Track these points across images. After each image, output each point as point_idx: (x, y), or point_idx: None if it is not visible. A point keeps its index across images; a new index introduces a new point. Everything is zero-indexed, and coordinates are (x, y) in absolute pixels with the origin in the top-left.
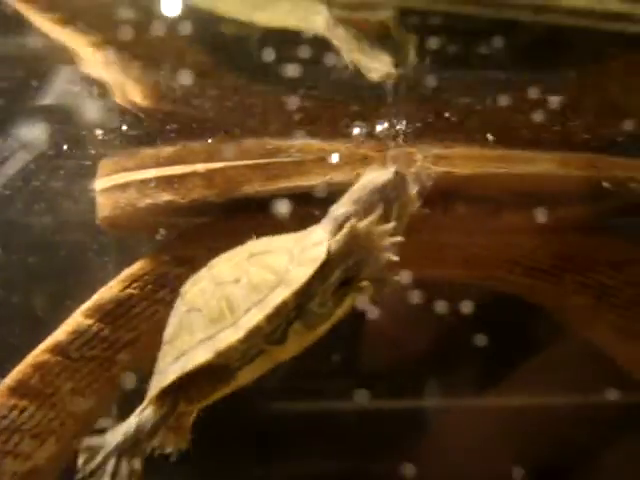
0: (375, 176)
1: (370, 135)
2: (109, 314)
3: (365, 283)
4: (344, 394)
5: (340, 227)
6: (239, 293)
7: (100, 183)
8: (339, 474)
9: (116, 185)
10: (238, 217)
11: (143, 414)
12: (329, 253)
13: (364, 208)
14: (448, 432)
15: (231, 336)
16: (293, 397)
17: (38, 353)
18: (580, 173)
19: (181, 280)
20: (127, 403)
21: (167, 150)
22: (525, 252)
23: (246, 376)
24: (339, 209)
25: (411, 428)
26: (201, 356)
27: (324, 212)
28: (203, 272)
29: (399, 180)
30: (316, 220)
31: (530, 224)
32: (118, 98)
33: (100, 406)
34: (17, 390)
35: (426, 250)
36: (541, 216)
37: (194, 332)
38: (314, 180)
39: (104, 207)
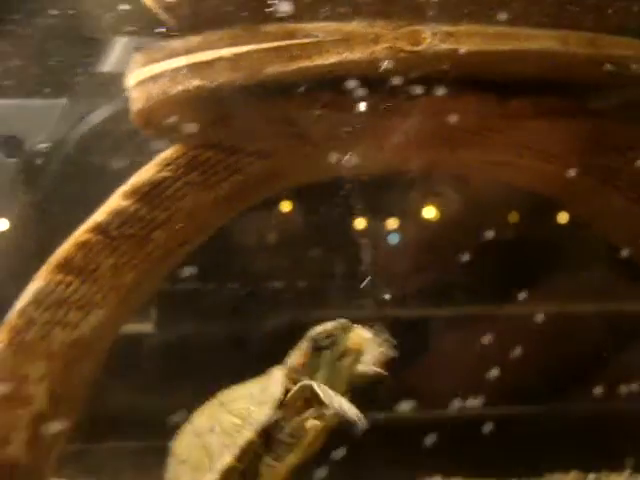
0: (321, 326)
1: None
2: (145, 195)
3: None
4: None
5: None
6: (214, 440)
7: (132, 78)
8: None
9: (148, 77)
10: (263, 100)
11: None
12: (285, 391)
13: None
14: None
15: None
16: None
17: (80, 233)
18: (581, 51)
19: (210, 163)
20: None
21: (195, 39)
22: (533, 136)
23: None
24: (292, 355)
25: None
26: None
27: None
28: (187, 428)
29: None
30: None
31: (537, 108)
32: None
33: (138, 281)
34: (62, 267)
35: (438, 134)
36: (547, 100)
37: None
38: (332, 59)
39: (138, 100)
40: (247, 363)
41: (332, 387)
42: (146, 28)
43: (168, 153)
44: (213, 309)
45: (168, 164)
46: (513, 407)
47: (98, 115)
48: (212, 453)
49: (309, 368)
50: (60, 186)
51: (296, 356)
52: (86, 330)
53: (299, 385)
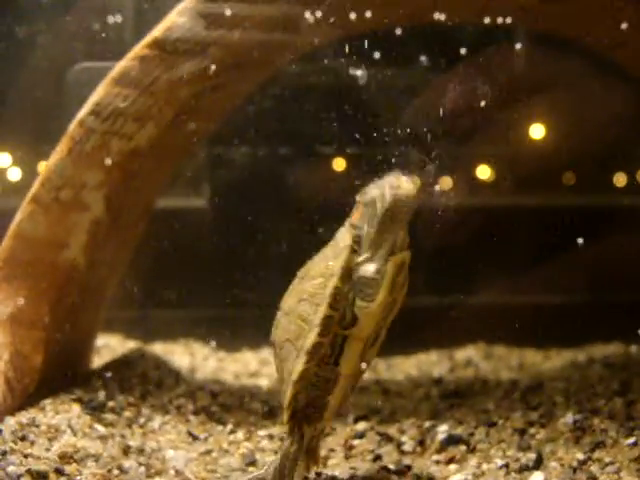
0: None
1: None
2: (201, 13)
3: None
4: None
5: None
6: (305, 307)
7: None
8: None
9: None
10: None
11: (284, 447)
12: (353, 239)
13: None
14: None
15: (311, 335)
16: None
17: (138, 48)
18: None
19: None
20: None
21: None
22: None
23: (346, 369)
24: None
25: None
26: (299, 364)
27: None
28: (278, 315)
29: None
30: None
31: None
32: None
33: (193, 97)
34: (120, 80)
35: None
36: None
37: (289, 357)
38: None
39: None
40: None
41: None
42: None
43: None
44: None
45: None
46: None
47: None
48: (307, 317)
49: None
50: None
51: (352, 214)
52: (142, 141)
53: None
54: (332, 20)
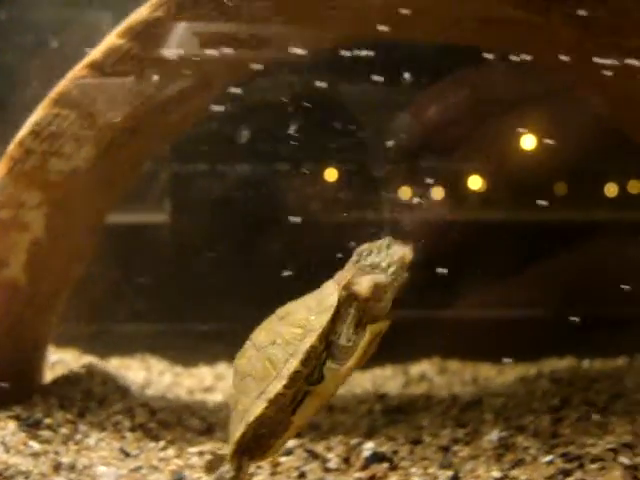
0: (371, 245)
1: None
2: (139, 34)
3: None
4: None
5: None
6: (277, 351)
7: None
8: None
9: None
10: None
11: (222, 469)
12: (340, 300)
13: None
14: None
15: (277, 385)
16: None
17: (77, 69)
18: None
19: (200, 4)
20: None
21: None
22: None
23: (300, 419)
24: (344, 271)
25: None
26: (258, 408)
27: None
28: (247, 345)
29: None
30: None
31: None
32: None
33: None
34: (59, 100)
35: None
36: None
37: (250, 394)
38: None
39: None
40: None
41: None
42: None
43: None
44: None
45: (161, 5)
46: None
47: None
48: (277, 362)
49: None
50: None
51: (343, 272)
52: (81, 162)
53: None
54: (280, 38)
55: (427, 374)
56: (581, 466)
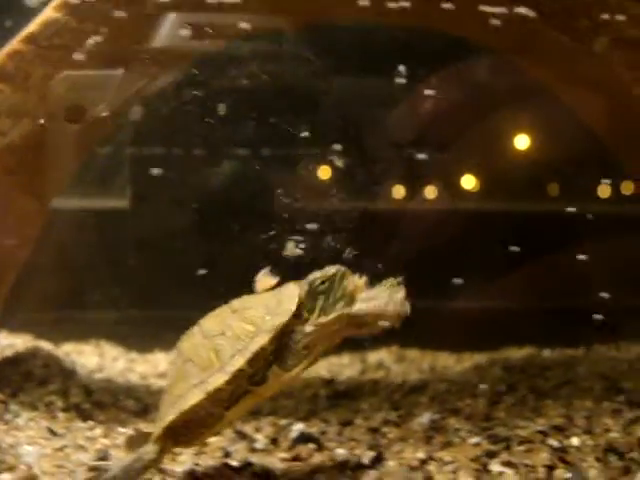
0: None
1: None
2: (76, 7)
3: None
4: None
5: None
6: (225, 343)
7: None
8: None
9: None
10: None
11: (144, 449)
12: (300, 304)
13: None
14: None
15: (219, 379)
16: None
17: (13, 44)
18: None
19: None
20: None
21: None
22: None
23: (234, 415)
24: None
25: None
26: (194, 397)
27: None
28: (195, 329)
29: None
30: None
31: None
32: None
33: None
34: None
35: None
36: None
37: (188, 379)
38: None
39: None
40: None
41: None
42: None
43: None
44: None
45: None
46: None
47: None
48: (223, 355)
49: (305, 308)
50: None
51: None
52: (16, 138)
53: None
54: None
55: (385, 362)
56: (508, 448)
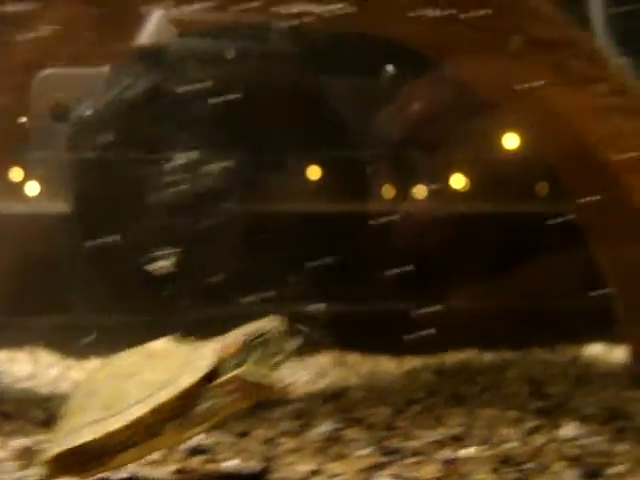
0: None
1: None
2: None
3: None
4: None
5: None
6: (132, 389)
7: None
8: None
9: None
10: None
11: (32, 470)
12: (212, 367)
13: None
14: None
15: (115, 423)
16: None
17: None
18: None
19: None
20: None
21: None
22: None
23: (126, 459)
24: (227, 338)
25: None
26: (86, 435)
27: None
28: (106, 363)
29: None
30: None
31: None
32: None
33: None
34: None
35: None
36: None
37: (87, 413)
38: None
39: None
40: None
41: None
42: None
43: None
44: None
45: None
46: None
47: None
48: (127, 399)
49: (237, 359)
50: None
51: (228, 345)
52: None
53: (232, 374)
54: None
55: (323, 367)
56: (400, 459)
